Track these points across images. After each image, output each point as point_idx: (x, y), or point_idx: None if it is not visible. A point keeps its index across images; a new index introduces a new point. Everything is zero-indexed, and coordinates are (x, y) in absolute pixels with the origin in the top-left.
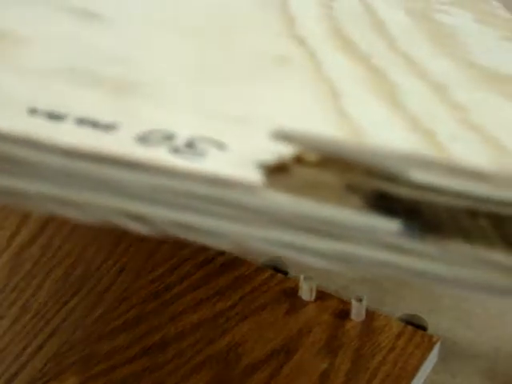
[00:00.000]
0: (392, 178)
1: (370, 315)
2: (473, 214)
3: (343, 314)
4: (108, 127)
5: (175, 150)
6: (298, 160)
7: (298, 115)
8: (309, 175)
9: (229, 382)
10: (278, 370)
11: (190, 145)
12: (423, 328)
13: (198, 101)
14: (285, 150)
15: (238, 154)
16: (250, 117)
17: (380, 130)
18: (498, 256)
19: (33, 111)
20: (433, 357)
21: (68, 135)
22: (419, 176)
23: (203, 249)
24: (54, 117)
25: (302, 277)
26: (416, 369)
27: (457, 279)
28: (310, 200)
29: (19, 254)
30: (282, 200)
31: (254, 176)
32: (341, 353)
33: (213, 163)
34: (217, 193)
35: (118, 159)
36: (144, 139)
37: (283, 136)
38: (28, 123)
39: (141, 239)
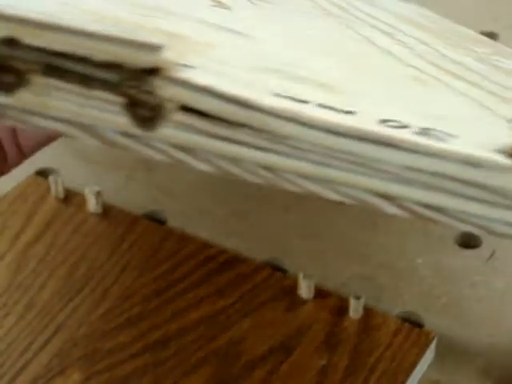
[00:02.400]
0: None
1: (368, 313)
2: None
3: (341, 311)
4: (348, 113)
5: (418, 133)
6: None
7: None
8: None
9: (229, 378)
10: (277, 366)
11: (425, 133)
12: (420, 325)
13: (403, 102)
14: None
15: (474, 141)
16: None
17: None
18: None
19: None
20: (429, 354)
21: (324, 115)
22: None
23: (204, 247)
24: (299, 101)
25: (300, 275)
26: (413, 365)
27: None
28: None
29: (24, 252)
30: None
31: (502, 158)
32: (339, 350)
33: (457, 145)
34: (465, 173)
35: (375, 138)
36: (384, 123)
37: None
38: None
39: (143, 238)
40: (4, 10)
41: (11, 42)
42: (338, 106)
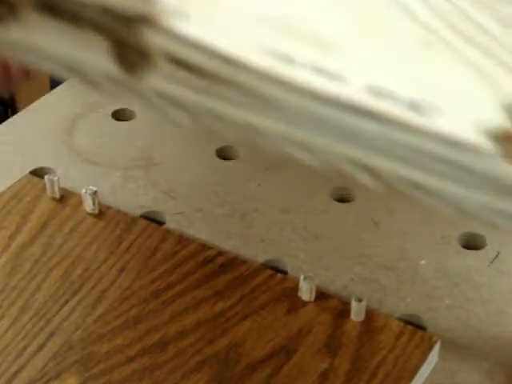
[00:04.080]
0: None
1: (370, 315)
2: None
3: (343, 313)
4: (337, 78)
5: (405, 106)
6: None
7: None
8: None
9: (228, 382)
10: (278, 369)
11: (412, 105)
12: (423, 328)
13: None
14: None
15: (462, 120)
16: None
17: None
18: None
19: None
20: (432, 356)
21: (312, 81)
22: None
23: (203, 248)
24: (287, 61)
25: (301, 277)
26: (416, 369)
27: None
28: None
29: (19, 253)
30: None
31: (486, 143)
32: (341, 353)
33: (444, 125)
34: (449, 154)
35: (358, 108)
36: (373, 91)
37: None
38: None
39: (141, 239)
40: None
41: None
42: (328, 68)
